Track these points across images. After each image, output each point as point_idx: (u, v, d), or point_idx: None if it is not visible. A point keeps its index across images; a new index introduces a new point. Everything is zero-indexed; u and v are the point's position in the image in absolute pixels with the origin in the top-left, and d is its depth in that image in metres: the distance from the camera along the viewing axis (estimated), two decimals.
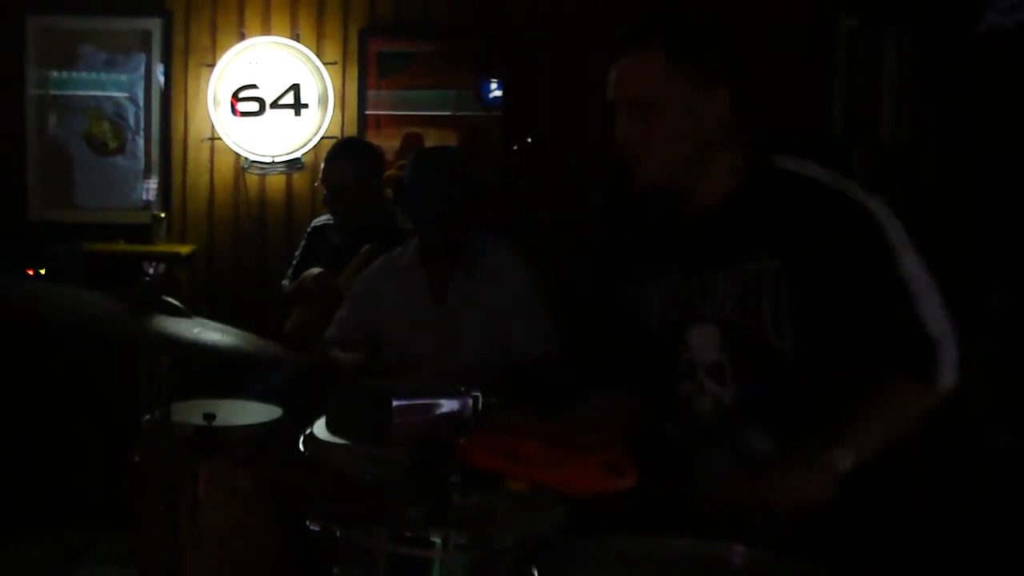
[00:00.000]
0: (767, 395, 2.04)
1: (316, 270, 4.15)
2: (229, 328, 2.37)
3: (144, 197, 5.26)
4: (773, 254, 1.98)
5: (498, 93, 5.25)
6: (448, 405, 2.03)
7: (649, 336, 2.19)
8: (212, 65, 5.11)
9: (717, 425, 2.11)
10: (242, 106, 5.09)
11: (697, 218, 2.10)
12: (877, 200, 1.98)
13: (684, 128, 2.02)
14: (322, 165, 4.38)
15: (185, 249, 5.16)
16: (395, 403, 1.93)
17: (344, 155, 4.32)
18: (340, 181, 4.23)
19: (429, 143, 5.22)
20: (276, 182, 5.25)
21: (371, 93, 5.26)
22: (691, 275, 2.10)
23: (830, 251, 1.94)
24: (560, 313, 3.51)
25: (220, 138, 5.12)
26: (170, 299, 2.25)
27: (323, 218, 4.54)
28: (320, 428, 2.44)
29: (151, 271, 2.20)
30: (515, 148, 5.12)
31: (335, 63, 5.21)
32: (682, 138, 2.02)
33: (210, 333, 2.24)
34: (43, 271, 4.77)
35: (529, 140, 5.13)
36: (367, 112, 5.26)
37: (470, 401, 2.08)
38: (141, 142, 5.25)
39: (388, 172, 4.42)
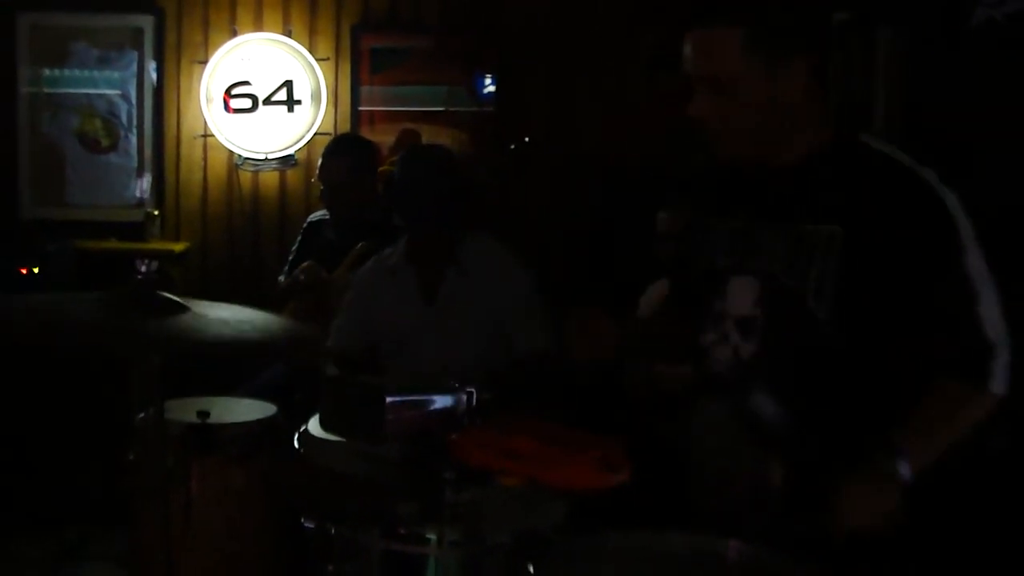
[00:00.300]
0: (790, 358, 2.01)
1: (309, 263, 4.15)
2: (231, 307, 2.35)
3: (137, 195, 5.25)
4: (837, 220, 1.95)
5: (491, 89, 5.24)
6: (442, 401, 2.02)
7: (690, 277, 2.18)
8: (204, 62, 5.10)
9: (729, 378, 2.08)
10: (235, 103, 5.08)
11: (768, 172, 2.07)
12: (952, 194, 1.95)
13: (760, 102, 1.97)
14: (319, 161, 4.38)
15: (178, 247, 5.16)
16: (389, 400, 1.93)
17: (341, 151, 4.33)
18: (337, 177, 4.24)
19: (424, 139, 5.21)
20: (269, 179, 5.25)
21: (364, 89, 5.25)
22: (750, 225, 2.07)
23: (897, 231, 1.91)
24: (556, 310, 3.51)
25: (213, 135, 5.12)
26: (166, 294, 2.24)
27: (319, 213, 4.54)
28: (315, 425, 2.44)
29: (144, 269, 2.18)
30: (512, 148, 5.12)
31: (328, 59, 5.20)
32: (761, 112, 1.98)
33: (213, 313, 2.22)
34: (35, 269, 4.76)
35: (526, 139, 5.12)
36: (360, 108, 5.25)
37: (464, 397, 2.08)
38: (134, 139, 5.24)
39: (380, 168, 4.41)
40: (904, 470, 1.82)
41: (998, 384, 1.91)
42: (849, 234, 1.94)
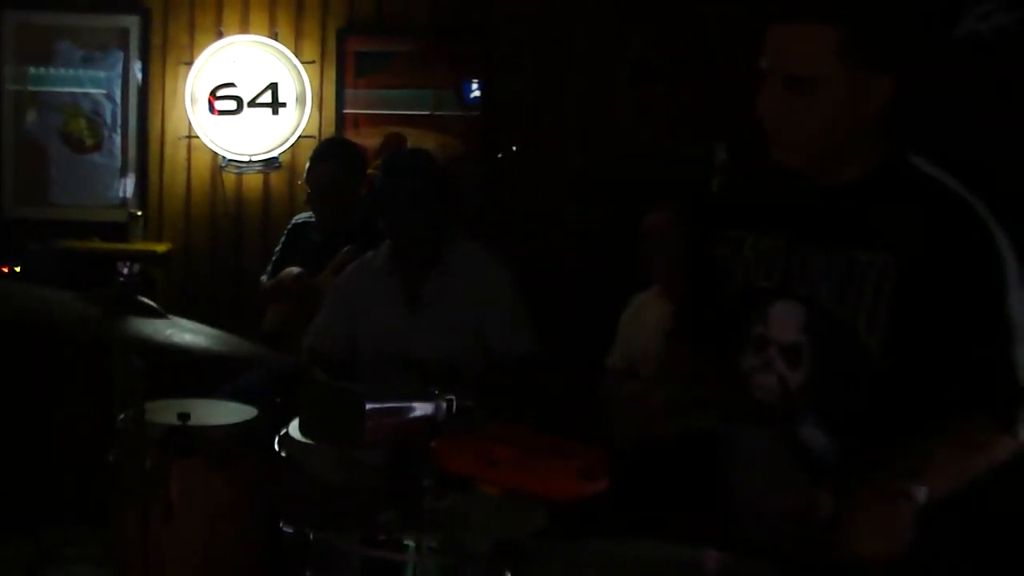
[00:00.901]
0: (840, 388, 1.93)
1: (295, 269, 4.15)
2: (203, 327, 2.36)
3: (120, 195, 5.23)
4: (889, 249, 1.87)
5: (478, 93, 5.24)
6: (422, 408, 2.02)
7: (724, 295, 2.08)
8: (190, 63, 5.09)
9: (775, 409, 1.99)
10: (220, 104, 5.06)
11: (817, 191, 1.98)
12: (1001, 230, 1.88)
13: (836, 113, 1.87)
14: (303, 164, 4.38)
15: (161, 247, 5.14)
16: (368, 406, 1.93)
17: (327, 155, 4.34)
18: (323, 181, 4.24)
19: (410, 143, 5.21)
20: (253, 181, 5.23)
21: (349, 92, 5.24)
22: (794, 246, 1.98)
23: (947, 264, 1.84)
24: (540, 315, 3.52)
25: (197, 136, 5.10)
26: (145, 299, 2.25)
27: (303, 215, 4.54)
28: (295, 429, 2.44)
29: (125, 271, 2.18)
30: (499, 156, 5.12)
31: (313, 62, 5.19)
32: (831, 123, 1.88)
33: (184, 333, 2.24)
34: (17, 268, 4.74)
35: (514, 148, 5.12)
36: (345, 111, 5.24)
37: (444, 404, 2.08)
38: (118, 140, 5.22)
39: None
40: (920, 494, 1.74)
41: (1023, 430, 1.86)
42: (900, 262, 1.87)
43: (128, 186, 5.23)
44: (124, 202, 5.22)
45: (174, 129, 5.20)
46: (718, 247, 2.10)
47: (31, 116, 5.21)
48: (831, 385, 1.94)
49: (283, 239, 4.52)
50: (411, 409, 1.99)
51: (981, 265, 1.85)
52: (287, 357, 3.55)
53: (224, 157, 5.14)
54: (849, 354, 1.90)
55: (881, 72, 1.86)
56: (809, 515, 1.75)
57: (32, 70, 5.19)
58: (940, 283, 1.84)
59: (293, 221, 4.56)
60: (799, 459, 1.93)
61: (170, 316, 2.26)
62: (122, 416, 2.77)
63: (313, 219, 4.45)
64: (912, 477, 1.75)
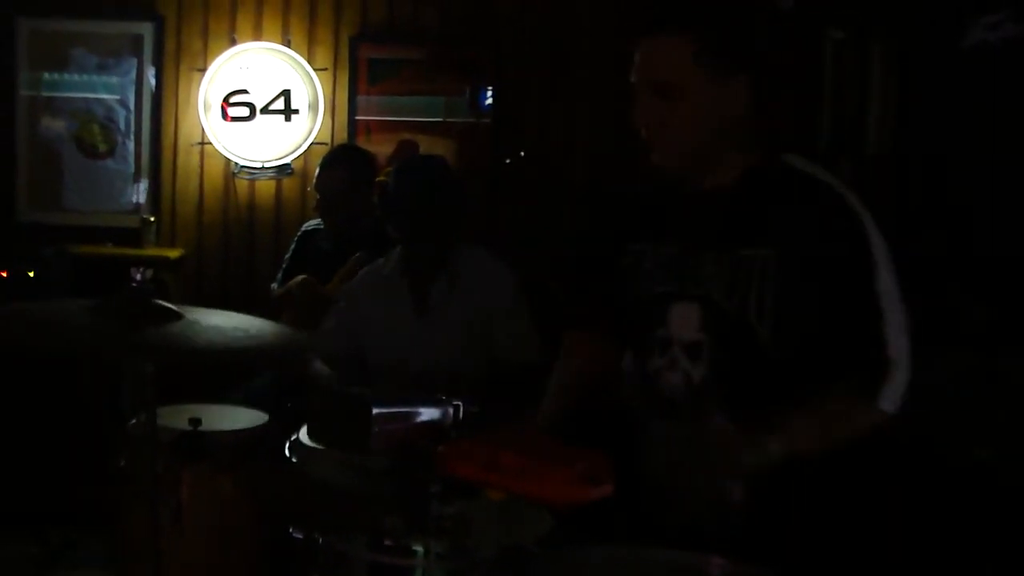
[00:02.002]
0: (740, 378, 2.04)
1: (304, 277, 4.16)
2: (225, 315, 2.36)
3: (133, 201, 5.27)
4: (768, 243, 1.99)
5: (489, 100, 5.26)
6: (428, 414, 2.04)
7: (628, 304, 2.20)
8: (203, 70, 5.13)
9: (682, 403, 2.10)
10: (232, 111, 5.10)
11: (701, 197, 2.11)
12: (868, 214, 1.99)
13: (702, 115, 2.01)
14: (316, 171, 4.40)
15: (174, 253, 5.17)
16: (375, 411, 1.94)
17: (337, 162, 4.34)
18: (333, 187, 4.25)
19: (421, 149, 5.23)
20: (265, 187, 5.26)
21: (361, 99, 5.27)
22: (686, 251, 2.10)
23: (818, 250, 1.96)
24: (546, 322, 3.52)
25: (210, 143, 5.14)
26: (160, 302, 2.26)
27: (313, 222, 4.55)
28: (306, 434, 2.45)
29: (139, 277, 2.19)
30: (508, 162, 5.14)
31: (326, 69, 5.22)
32: (700, 125, 2.02)
33: (202, 332, 2.23)
34: (31, 273, 4.77)
35: (522, 154, 5.14)
36: (357, 118, 5.27)
37: (451, 410, 2.09)
38: (131, 146, 5.26)
39: (376, 179, 4.43)
40: (773, 445, 1.87)
41: (887, 402, 1.94)
42: (779, 254, 1.98)
43: (141, 192, 5.26)
44: (137, 208, 5.26)
45: (187, 135, 5.24)
46: (622, 259, 2.22)
47: (45, 122, 5.25)
48: (731, 376, 2.05)
49: (293, 246, 4.53)
50: (418, 414, 2.00)
51: (849, 249, 1.96)
52: (300, 352, 3.55)
53: (237, 163, 5.17)
54: (744, 346, 2.02)
55: (736, 75, 2.00)
56: (722, 502, 1.84)
57: (46, 76, 5.23)
58: (815, 270, 1.96)
59: (303, 228, 4.57)
60: (707, 448, 1.98)
61: (186, 313, 2.25)
62: (133, 420, 2.79)
63: (323, 226, 4.46)
64: (769, 430, 1.88)
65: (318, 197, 4.34)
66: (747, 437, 1.88)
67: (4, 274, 4.71)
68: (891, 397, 1.94)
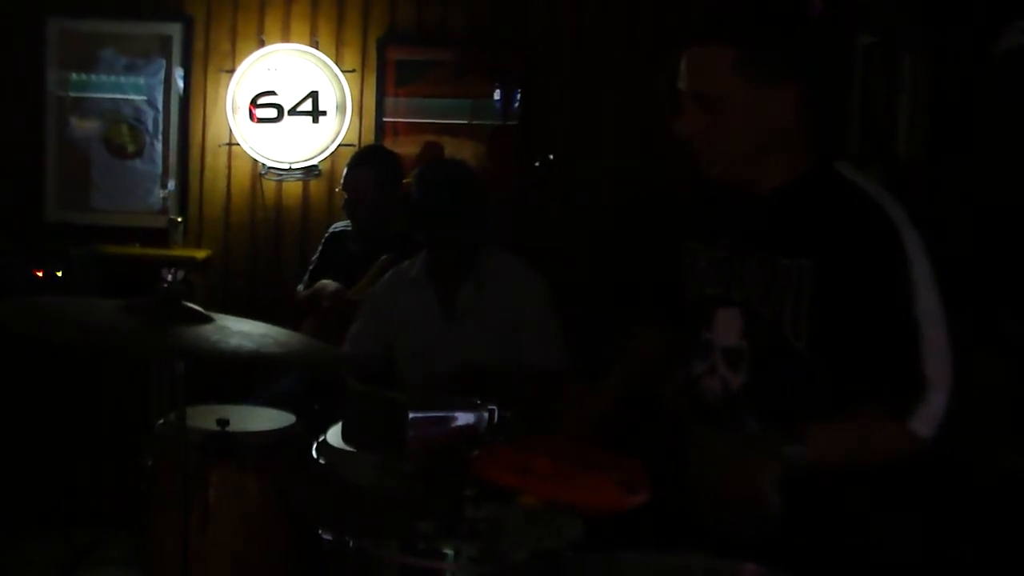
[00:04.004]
0: (776, 389, 2.03)
1: (333, 284, 4.16)
2: (252, 324, 2.37)
3: (161, 201, 5.28)
4: (807, 253, 1.98)
5: (516, 103, 5.25)
6: (464, 418, 2.03)
7: (683, 306, 2.22)
8: (231, 71, 5.13)
9: (721, 410, 2.10)
10: (260, 112, 5.10)
11: (749, 202, 2.11)
12: (913, 231, 1.96)
13: (747, 126, 2.01)
14: (343, 171, 4.41)
15: (201, 254, 5.18)
16: (411, 415, 1.94)
17: (365, 163, 4.36)
18: (360, 187, 4.27)
19: (447, 151, 5.23)
20: (293, 189, 5.27)
21: (389, 101, 5.27)
22: (734, 255, 2.11)
23: (855, 264, 1.94)
24: (574, 327, 3.51)
25: (238, 144, 5.14)
26: (191, 304, 2.26)
27: (341, 224, 4.56)
28: (334, 435, 2.45)
29: (170, 278, 2.19)
30: (537, 164, 5.13)
31: (354, 71, 5.22)
32: (744, 135, 2.02)
33: (231, 337, 2.24)
34: (59, 273, 4.79)
35: (551, 156, 5.13)
36: (385, 120, 5.27)
37: (486, 415, 2.09)
38: (159, 146, 5.26)
39: (404, 180, 4.44)
40: (792, 453, 1.84)
41: (921, 424, 1.90)
42: (817, 266, 1.97)
43: (168, 192, 5.27)
44: (164, 208, 5.27)
45: (215, 136, 5.24)
46: (681, 258, 2.25)
47: (74, 122, 5.26)
48: (768, 385, 2.04)
49: (320, 248, 4.55)
50: (454, 419, 2.00)
51: (887, 266, 1.94)
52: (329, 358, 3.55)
53: (264, 165, 5.18)
54: (781, 355, 2.01)
55: (780, 86, 1.99)
56: (760, 507, 1.82)
57: (75, 76, 5.24)
58: (850, 283, 1.94)
59: (331, 230, 4.59)
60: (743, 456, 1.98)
61: (216, 318, 2.26)
62: (161, 420, 2.79)
63: (350, 228, 4.47)
64: (791, 440, 1.86)
65: (345, 197, 4.35)
66: (769, 443, 1.87)
67: (40, 273, 4.73)
68: (926, 419, 1.90)
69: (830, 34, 4.18)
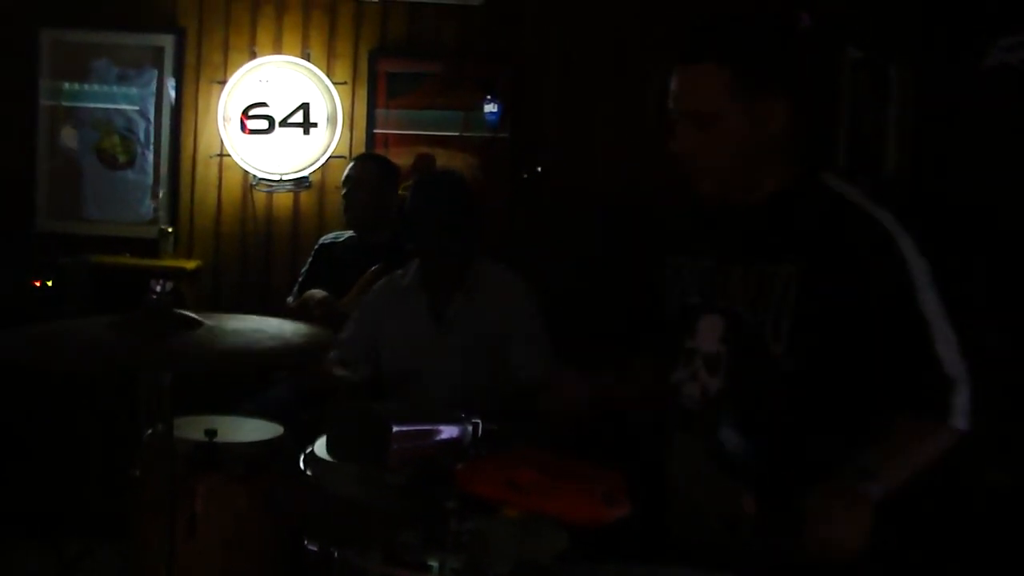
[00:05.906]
0: (752, 391, 2.05)
1: (320, 293, 4.17)
2: (243, 319, 2.38)
3: (152, 211, 5.28)
4: (793, 260, 2.00)
5: (506, 115, 5.27)
6: (448, 431, 2.04)
7: (666, 316, 2.25)
8: (223, 82, 5.14)
9: (699, 416, 2.12)
10: (251, 123, 5.11)
11: (736, 213, 2.14)
12: (906, 235, 1.99)
13: (737, 142, 2.04)
14: (335, 181, 4.47)
15: (191, 264, 5.18)
16: (395, 428, 1.94)
17: (370, 158, 4.63)
18: (364, 177, 4.40)
19: (438, 163, 5.25)
20: (283, 200, 5.28)
21: (380, 112, 5.29)
22: (720, 265, 2.13)
23: (849, 272, 1.95)
24: (562, 337, 3.52)
25: (229, 155, 5.15)
26: (181, 311, 2.27)
27: (330, 235, 4.59)
28: (321, 447, 2.45)
29: (159, 289, 2.20)
30: (525, 176, 5.15)
31: (345, 83, 5.24)
32: (735, 151, 2.05)
33: (223, 333, 2.24)
34: (49, 283, 4.79)
35: (539, 169, 5.15)
36: (375, 131, 5.28)
37: (470, 428, 2.10)
38: (151, 157, 5.27)
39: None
40: (875, 492, 1.83)
41: (959, 419, 1.93)
42: (803, 273, 1.99)
43: (159, 203, 5.27)
44: (155, 218, 5.27)
45: (206, 147, 5.25)
46: (664, 272, 2.27)
47: (66, 132, 5.26)
48: (744, 389, 2.06)
49: (310, 259, 4.56)
50: (438, 432, 2.01)
51: (886, 270, 1.95)
52: (311, 376, 3.56)
53: (255, 176, 5.19)
54: (758, 360, 2.03)
55: (772, 99, 2.03)
56: (736, 517, 1.85)
57: (67, 86, 5.25)
58: (841, 290, 1.95)
59: (320, 241, 4.60)
60: (719, 461, 2.03)
61: (206, 320, 2.26)
62: (149, 431, 2.79)
63: (341, 238, 4.50)
64: (866, 477, 1.85)
65: (344, 191, 4.41)
66: (847, 490, 1.82)
67: (37, 284, 4.73)
68: (963, 413, 1.93)
69: (819, 47, 4.21)
